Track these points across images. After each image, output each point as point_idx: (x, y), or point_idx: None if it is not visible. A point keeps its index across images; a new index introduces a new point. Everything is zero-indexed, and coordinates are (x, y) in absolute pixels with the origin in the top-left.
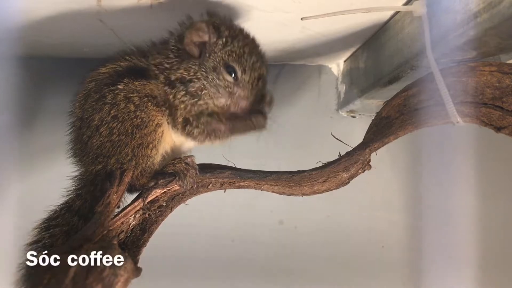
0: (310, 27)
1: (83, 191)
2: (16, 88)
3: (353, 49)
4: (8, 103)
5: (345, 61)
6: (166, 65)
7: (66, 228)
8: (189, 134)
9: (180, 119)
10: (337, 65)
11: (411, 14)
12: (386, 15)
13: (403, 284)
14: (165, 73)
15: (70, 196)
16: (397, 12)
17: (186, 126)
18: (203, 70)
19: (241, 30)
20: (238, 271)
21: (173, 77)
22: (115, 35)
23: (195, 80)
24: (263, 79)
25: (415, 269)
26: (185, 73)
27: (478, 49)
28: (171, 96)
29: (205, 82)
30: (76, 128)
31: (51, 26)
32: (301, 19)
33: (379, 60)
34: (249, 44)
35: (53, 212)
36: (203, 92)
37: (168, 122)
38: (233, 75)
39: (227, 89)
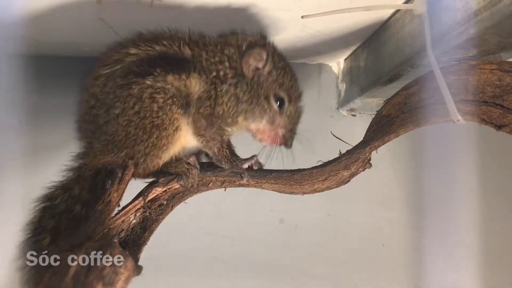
0: (311, 25)
1: (85, 175)
2: (16, 87)
3: (353, 48)
4: (8, 102)
5: (345, 59)
6: (221, 72)
7: (70, 215)
8: (199, 131)
9: (209, 111)
10: (337, 64)
11: (412, 13)
12: (386, 13)
13: (403, 282)
14: (220, 74)
15: (71, 178)
16: (397, 11)
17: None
18: (256, 95)
19: (286, 60)
20: (238, 270)
21: (231, 90)
22: (116, 33)
23: (246, 102)
24: (301, 111)
25: (415, 267)
26: (241, 93)
27: (479, 47)
28: (219, 90)
29: (255, 108)
30: (88, 106)
31: (51, 25)
32: (302, 17)
33: (380, 59)
34: (295, 77)
35: (54, 193)
36: (247, 114)
37: (187, 123)
38: (278, 103)
39: (271, 117)
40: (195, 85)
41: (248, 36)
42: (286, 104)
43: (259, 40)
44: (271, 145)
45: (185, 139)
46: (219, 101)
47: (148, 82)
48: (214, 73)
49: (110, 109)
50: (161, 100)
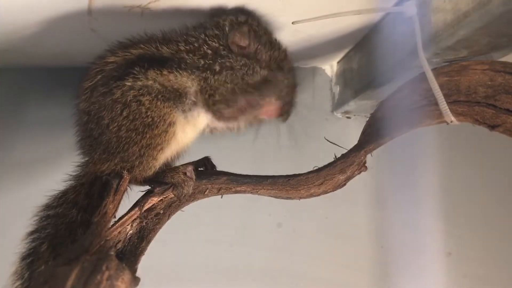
0: (302, 30)
1: (83, 182)
2: (9, 99)
3: (346, 50)
4: (1, 114)
5: (338, 62)
6: (209, 51)
7: (66, 220)
8: (217, 111)
9: (218, 98)
10: (330, 67)
11: (402, 15)
12: (377, 16)
13: (402, 284)
14: (206, 61)
15: (69, 186)
16: (388, 13)
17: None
18: (250, 64)
19: (271, 33)
20: (237, 276)
21: (218, 67)
22: (108, 44)
23: (243, 70)
24: (296, 84)
25: (414, 268)
26: (234, 64)
27: (469, 48)
28: (211, 80)
29: (250, 76)
30: (83, 123)
31: (42, 37)
32: (292, 23)
33: (372, 61)
34: (283, 48)
35: (52, 202)
36: (244, 80)
37: (183, 116)
38: (272, 73)
39: (267, 88)
40: (186, 81)
41: (227, 16)
42: (280, 74)
43: (240, 17)
44: (269, 117)
45: (181, 135)
46: (220, 80)
47: (128, 83)
48: (202, 62)
49: (100, 120)
50: (147, 102)
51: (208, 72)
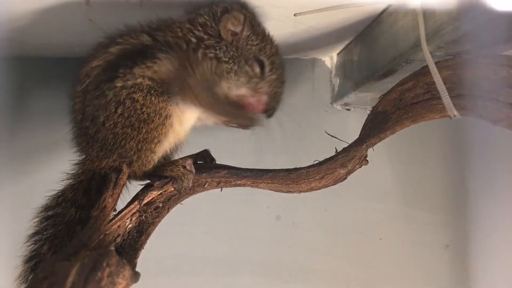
0: (303, 21)
1: (81, 180)
2: (5, 89)
3: (346, 42)
4: None
5: (338, 54)
6: (192, 40)
7: (65, 219)
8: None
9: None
10: (330, 58)
11: (405, 7)
12: (379, 7)
13: (401, 276)
14: (192, 42)
15: (68, 185)
16: (390, 5)
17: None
18: (236, 59)
19: (265, 28)
20: (235, 268)
21: (210, 54)
22: (106, 34)
23: (230, 63)
24: (283, 86)
25: (412, 260)
26: (221, 54)
27: (474, 41)
28: (196, 58)
29: (237, 69)
30: (77, 121)
31: (40, 27)
32: (294, 15)
33: (373, 53)
34: (275, 43)
35: (52, 203)
36: (229, 75)
37: (177, 107)
38: (259, 68)
39: (254, 82)
40: (165, 64)
41: (221, 3)
42: (267, 69)
43: (235, 5)
44: (254, 112)
45: (179, 126)
46: (199, 66)
47: (119, 84)
48: (184, 46)
49: (95, 119)
50: (140, 98)
51: (201, 49)
